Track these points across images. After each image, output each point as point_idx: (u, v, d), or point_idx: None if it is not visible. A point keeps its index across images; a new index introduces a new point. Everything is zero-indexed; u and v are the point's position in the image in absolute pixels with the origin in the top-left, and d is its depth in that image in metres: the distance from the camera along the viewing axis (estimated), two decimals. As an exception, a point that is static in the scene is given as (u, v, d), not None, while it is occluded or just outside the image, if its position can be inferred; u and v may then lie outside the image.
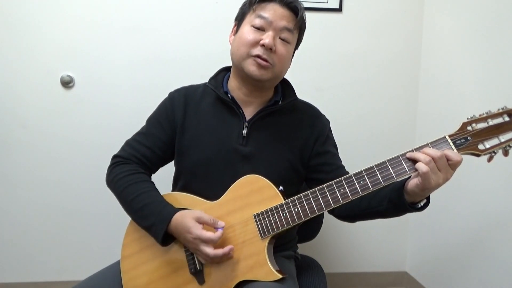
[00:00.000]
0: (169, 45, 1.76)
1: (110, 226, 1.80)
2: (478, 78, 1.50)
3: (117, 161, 1.14)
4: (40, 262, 1.83)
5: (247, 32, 1.05)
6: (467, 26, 1.57)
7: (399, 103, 1.90)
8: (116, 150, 1.18)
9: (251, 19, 1.06)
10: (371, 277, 1.99)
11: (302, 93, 1.22)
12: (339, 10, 1.80)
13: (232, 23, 1.16)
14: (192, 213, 1.00)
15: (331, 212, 1.12)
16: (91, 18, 1.72)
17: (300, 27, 1.10)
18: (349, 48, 1.84)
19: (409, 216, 1.93)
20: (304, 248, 1.44)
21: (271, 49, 1.03)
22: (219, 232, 0.97)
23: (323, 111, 1.23)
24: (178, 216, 1.00)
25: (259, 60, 1.03)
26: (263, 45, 1.02)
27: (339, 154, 1.20)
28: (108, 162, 1.16)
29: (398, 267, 2.01)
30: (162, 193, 1.11)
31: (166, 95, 1.21)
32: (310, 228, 1.41)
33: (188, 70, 1.76)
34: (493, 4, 1.44)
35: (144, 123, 1.20)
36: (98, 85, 1.75)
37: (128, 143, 1.17)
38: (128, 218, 1.11)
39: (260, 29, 1.04)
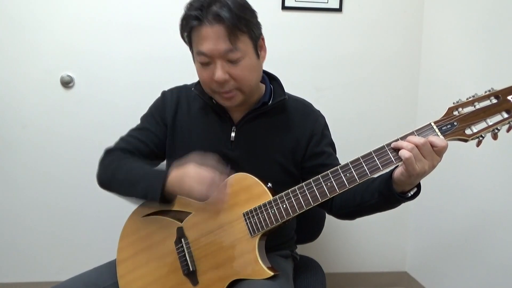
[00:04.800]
0: (169, 44, 1.74)
1: (111, 226, 1.78)
2: (478, 78, 1.50)
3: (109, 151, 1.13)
4: (40, 262, 1.83)
5: (199, 71, 1.04)
6: (467, 26, 1.57)
7: (399, 103, 1.89)
8: (116, 150, 1.17)
9: (195, 56, 1.02)
10: (371, 277, 1.99)
11: (302, 93, 1.22)
12: (339, 10, 1.80)
13: None
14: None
15: (330, 212, 1.12)
16: (91, 18, 1.72)
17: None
18: (349, 48, 1.83)
19: (409, 216, 1.94)
20: (304, 249, 1.43)
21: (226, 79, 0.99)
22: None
23: (323, 111, 1.20)
24: (175, 170, 0.97)
25: (224, 95, 1.02)
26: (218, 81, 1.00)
27: (339, 154, 1.17)
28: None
29: (398, 267, 2.00)
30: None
31: None
32: (312, 229, 1.41)
33: (188, 69, 1.74)
34: (493, 5, 1.44)
35: (142, 123, 1.19)
36: (98, 85, 1.76)
37: (122, 138, 1.16)
38: (125, 219, 1.10)
39: (208, 64, 1.00)
